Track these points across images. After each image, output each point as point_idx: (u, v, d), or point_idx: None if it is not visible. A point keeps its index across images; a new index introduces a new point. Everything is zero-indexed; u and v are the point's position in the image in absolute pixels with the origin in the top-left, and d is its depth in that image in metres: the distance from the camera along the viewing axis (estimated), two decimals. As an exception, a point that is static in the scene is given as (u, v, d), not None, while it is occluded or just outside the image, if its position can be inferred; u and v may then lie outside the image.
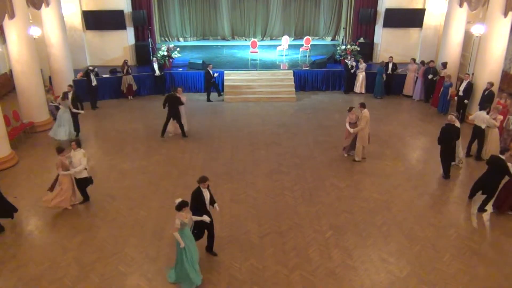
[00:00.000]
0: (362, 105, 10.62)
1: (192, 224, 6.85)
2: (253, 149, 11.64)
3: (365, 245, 7.61)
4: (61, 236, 7.88)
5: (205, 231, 7.21)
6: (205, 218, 6.76)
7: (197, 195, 6.80)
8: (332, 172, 10.30)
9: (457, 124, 9.71)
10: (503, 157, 8.40)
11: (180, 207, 6.33)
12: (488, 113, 10.54)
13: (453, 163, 10.13)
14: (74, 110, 11.86)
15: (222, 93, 16.13)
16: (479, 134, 10.62)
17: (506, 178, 8.44)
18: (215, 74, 15.70)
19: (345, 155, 11.10)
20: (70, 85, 12.45)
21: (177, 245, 6.41)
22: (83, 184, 8.78)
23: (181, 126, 12.23)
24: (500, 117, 10.51)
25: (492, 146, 10.55)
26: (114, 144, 11.99)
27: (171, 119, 12.15)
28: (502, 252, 7.44)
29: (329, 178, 9.99)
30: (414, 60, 16.13)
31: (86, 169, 8.64)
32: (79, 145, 8.58)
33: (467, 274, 6.89)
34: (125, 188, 9.58)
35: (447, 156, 9.80)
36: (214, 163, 10.80)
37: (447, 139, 9.59)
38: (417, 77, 15.63)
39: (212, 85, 15.80)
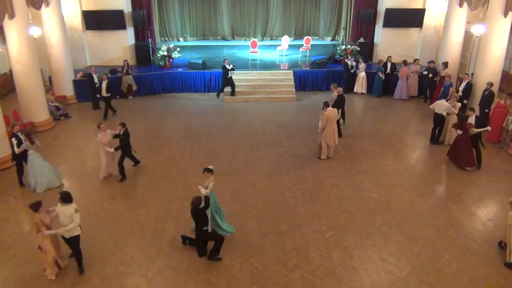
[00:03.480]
0: (326, 104, 10.74)
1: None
2: (253, 149, 11.65)
3: (365, 245, 7.61)
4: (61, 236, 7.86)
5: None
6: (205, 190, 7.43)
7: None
8: (332, 172, 10.30)
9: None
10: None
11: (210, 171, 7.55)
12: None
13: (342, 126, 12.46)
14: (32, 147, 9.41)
15: (234, 94, 15.75)
16: (440, 121, 11.59)
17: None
18: (231, 66, 15.09)
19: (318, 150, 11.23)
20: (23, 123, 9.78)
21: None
22: (76, 243, 6.92)
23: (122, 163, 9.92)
24: (458, 104, 11.54)
25: (453, 131, 11.21)
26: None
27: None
28: (502, 252, 7.43)
29: (329, 178, 9.99)
30: (417, 60, 16.08)
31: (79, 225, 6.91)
32: (68, 200, 6.68)
33: (467, 274, 6.90)
34: (125, 188, 9.58)
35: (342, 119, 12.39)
36: (214, 163, 10.77)
37: (339, 107, 12.08)
38: (399, 77, 15.68)
39: (228, 82, 15.41)
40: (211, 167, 7.70)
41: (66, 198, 6.67)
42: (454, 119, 11.18)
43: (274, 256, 7.30)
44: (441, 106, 11.35)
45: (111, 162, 10.03)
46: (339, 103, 11.98)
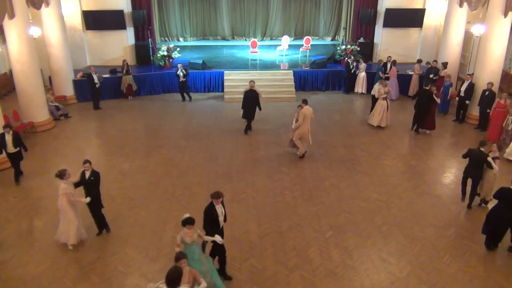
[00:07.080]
0: (304, 102, 10.76)
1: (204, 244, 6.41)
2: (253, 149, 11.64)
3: (365, 245, 7.61)
4: (61, 236, 7.86)
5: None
6: (217, 238, 6.11)
7: (210, 210, 6.30)
8: (332, 172, 10.30)
9: (258, 91, 12.57)
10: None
11: (184, 223, 5.87)
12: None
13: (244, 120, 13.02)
14: None
15: (189, 98, 15.76)
16: (373, 102, 13.24)
17: None
18: (180, 70, 14.99)
19: (288, 147, 11.24)
20: None
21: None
22: None
23: None
24: (387, 89, 12.94)
25: (378, 114, 13.02)
26: (114, 144, 11.99)
27: None
28: (502, 252, 7.44)
29: (329, 178, 9.99)
30: (419, 61, 16.08)
31: None
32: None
33: (467, 274, 6.90)
34: (125, 188, 9.58)
35: (252, 114, 12.62)
36: (214, 163, 10.80)
37: (253, 101, 12.50)
38: (389, 77, 15.70)
39: (183, 85, 15.39)
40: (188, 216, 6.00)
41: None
42: (381, 103, 12.81)
43: (274, 256, 7.30)
44: (375, 89, 13.19)
45: (81, 223, 7.61)
46: (249, 96, 12.48)
